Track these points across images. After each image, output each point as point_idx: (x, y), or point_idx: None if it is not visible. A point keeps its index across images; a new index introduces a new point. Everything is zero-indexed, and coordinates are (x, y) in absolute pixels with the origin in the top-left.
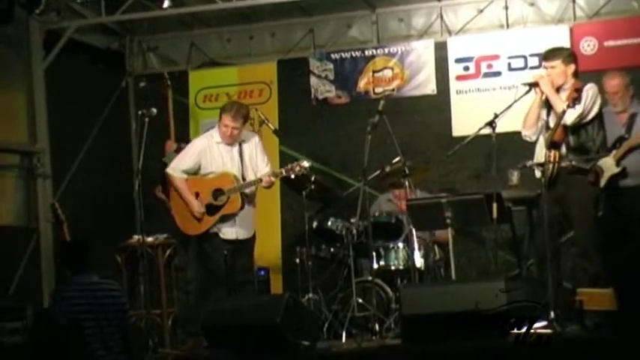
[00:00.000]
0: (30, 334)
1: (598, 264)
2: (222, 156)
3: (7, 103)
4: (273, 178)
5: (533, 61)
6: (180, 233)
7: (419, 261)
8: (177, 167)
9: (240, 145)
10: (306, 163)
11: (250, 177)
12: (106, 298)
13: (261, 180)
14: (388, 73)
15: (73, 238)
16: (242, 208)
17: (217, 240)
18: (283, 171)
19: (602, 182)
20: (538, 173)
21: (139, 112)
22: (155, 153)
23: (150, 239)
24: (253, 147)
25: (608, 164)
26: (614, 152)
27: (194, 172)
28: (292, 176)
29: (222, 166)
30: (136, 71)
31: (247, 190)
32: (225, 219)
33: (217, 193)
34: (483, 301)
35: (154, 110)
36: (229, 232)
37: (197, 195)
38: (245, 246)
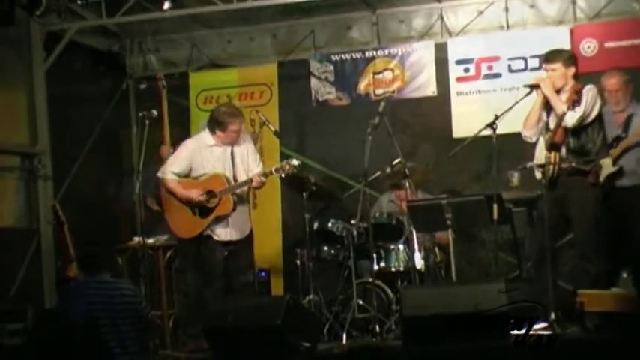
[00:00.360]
0: (30, 335)
1: (597, 265)
2: (213, 158)
3: (9, 104)
4: (263, 179)
5: (534, 63)
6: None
7: (419, 262)
8: (168, 170)
9: (231, 145)
10: (295, 162)
11: (242, 178)
12: (121, 297)
13: (251, 180)
14: (389, 74)
15: (89, 240)
16: (234, 209)
17: (212, 242)
18: (273, 170)
19: (600, 181)
20: (538, 175)
21: (140, 114)
22: (153, 155)
23: (150, 241)
24: (245, 148)
25: (605, 164)
26: (610, 152)
27: (185, 175)
28: (282, 175)
29: (213, 168)
30: (137, 73)
31: (238, 191)
32: (217, 220)
33: (209, 195)
34: (484, 303)
35: (155, 112)
36: (223, 233)
37: None
38: (241, 246)
